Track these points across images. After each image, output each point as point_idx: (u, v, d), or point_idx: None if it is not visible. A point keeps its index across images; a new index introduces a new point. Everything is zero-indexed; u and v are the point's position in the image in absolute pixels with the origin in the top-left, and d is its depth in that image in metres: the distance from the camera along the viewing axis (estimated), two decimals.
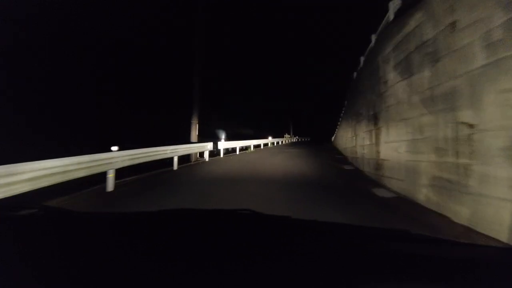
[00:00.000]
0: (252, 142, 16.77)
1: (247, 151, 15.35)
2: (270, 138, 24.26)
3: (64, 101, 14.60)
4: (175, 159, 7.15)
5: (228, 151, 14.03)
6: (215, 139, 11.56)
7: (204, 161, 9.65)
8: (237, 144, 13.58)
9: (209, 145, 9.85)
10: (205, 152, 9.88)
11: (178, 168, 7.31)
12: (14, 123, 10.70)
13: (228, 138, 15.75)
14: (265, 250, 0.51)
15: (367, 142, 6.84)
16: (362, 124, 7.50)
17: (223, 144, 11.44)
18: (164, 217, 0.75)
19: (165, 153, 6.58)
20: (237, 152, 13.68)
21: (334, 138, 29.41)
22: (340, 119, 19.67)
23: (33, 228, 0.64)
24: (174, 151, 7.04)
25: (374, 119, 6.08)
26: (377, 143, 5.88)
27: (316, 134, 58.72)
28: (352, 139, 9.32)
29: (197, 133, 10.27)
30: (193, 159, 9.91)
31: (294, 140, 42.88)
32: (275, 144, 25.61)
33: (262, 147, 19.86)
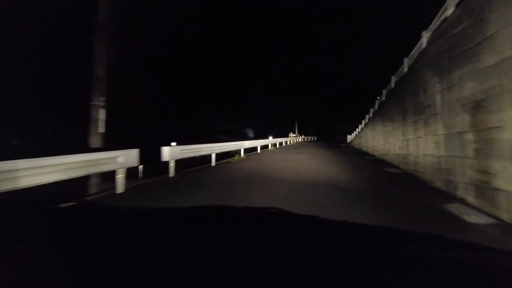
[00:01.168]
0: (242, 145, 11.14)
1: (232, 160, 9.79)
2: (270, 138, 18.62)
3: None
4: None
5: (201, 161, 8.48)
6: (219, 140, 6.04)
7: (109, 198, 4.11)
8: (211, 149, 7.95)
9: (123, 157, 4.31)
10: (117, 174, 4.33)
11: None
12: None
13: (223, 138, 10.31)
14: (283, 250, 0.48)
15: None
16: None
17: (174, 152, 5.88)
18: (195, 212, 0.75)
19: None
20: (213, 163, 8.11)
21: (354, 138, 23.60)
22: (371, 115, 13.91)
23: (63, 221, 0.64)
24: None
25: None
26: None
27: (322, 134, 54.72)
28: (462, 136, 3.69)
29: (103, 130, 4.73)
30: (91, 190, 4.40)
31: (300, 140, 37.21)
32: (277, 146, 19.94)
33: (259, 150, 14.25)
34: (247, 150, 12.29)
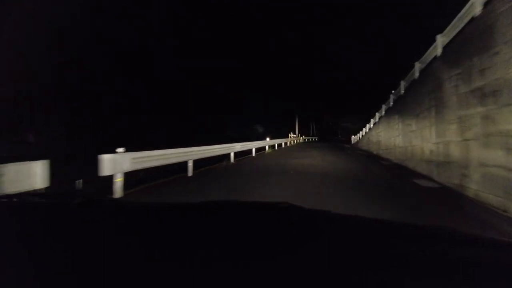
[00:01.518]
0: (232, 148, 9.41)
1: (218, 165, 8.06)
2: (268, 139, 16.88)
3: None
4: None
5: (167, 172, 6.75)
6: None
7: None
8: (186, 155, 6.19)
9: (9, 176, 2.63)
10: None
11: None
12: None
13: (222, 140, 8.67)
14: (293, 246, 0.47)
15: None
16: None
17: (120, 162, 4.15)
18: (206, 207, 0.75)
19: None
20: (189, 173, 6.39)
21: (361, 139, 21.71)
22: (383, 113, 12.07)
23: (71, 215, 0.68)
24: None
25: None
26: None
27: (323, 134, 53.60)
28: None
29: None
30: None
31: (301, 141, 35.44)
32: (275, 147, 18.20)
33: (254, 153, 12.51)
34: (239, 154, 10.57)
